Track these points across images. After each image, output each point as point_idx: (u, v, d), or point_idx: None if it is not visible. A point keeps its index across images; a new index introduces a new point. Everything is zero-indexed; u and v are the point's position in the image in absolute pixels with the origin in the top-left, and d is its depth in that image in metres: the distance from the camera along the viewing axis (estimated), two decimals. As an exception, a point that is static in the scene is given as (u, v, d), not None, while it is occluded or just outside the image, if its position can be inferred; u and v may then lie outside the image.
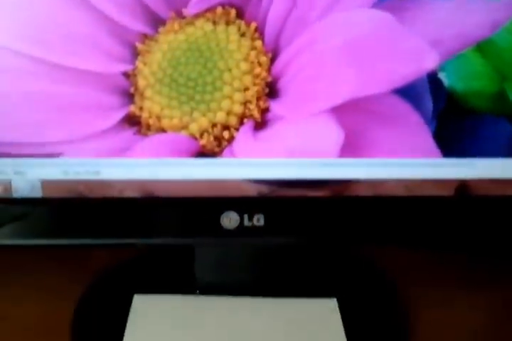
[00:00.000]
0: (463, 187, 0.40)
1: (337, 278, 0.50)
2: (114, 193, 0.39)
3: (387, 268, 0.51)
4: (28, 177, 0.38)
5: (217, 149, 0.38)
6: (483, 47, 0.37)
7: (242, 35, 0.38)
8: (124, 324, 0.42)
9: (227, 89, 0.37)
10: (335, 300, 0.45)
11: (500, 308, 0.48)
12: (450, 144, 0.38)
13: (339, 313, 0.44)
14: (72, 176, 0.38)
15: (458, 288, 0.49)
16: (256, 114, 0.38)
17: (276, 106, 0.38)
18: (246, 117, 0.38)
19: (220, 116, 0.37)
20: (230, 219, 0.40)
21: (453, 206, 0.40)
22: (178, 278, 0.47)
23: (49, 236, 0.40)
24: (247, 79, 0.37)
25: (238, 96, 0.37)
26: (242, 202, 0.40)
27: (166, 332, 0.42)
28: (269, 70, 0.38)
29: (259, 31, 0.38)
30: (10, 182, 0.38)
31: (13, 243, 0.41)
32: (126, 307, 0.44)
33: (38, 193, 0.39)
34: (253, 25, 0.38)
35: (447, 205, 0.40)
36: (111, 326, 0.43)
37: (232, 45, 0.37)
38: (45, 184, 0.38)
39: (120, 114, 0.38)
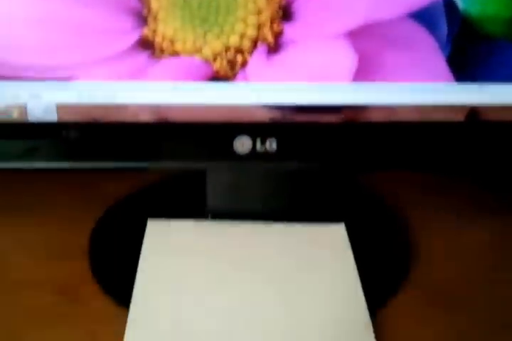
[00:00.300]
0: (473, 113, 0.40)
1: (344, 204, 0.51)
2: (128, 117, 0.39)
3: (393, 195, 0.52)
4: (43, 101, 0.38)
5: (230, 73, 0.38)
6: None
7: (257, -46, 0.37)
8: (139, 247, 0.43)
9: (240, 12, 0.37)
10: (343, 224, 0.46)
11: (502, 233, 0.49)
12: (463, 69, 0.38)
13: (347, 237, 0.45)
14: (87, 100, 0.38)
15: (462, 214, 0.50)
16: (270, 37, 0.38)
17: (290, 30, 0.38)
18: (259, 41, 0.38)
19: (234, 40, 0.37)
20: (242, 144, 0.40)
21: (463, 131, 0.41)
22: (191, 204, 0.48)
23: (64, 159, 0.41)
24: (261, 2, 0.37)
25: (252, 19, 0.37)
26: (255, 127, 0.40)
27: (179, 255, 0.43)
28: (283, -7, 0.37)
29: (274, -49, 0.37)
30: (25, 106, 0.38)
31: (28, 166, 0.41)
32: (140, 232, 0.45)
33: (53, 117, 0.39)
34: None
35: (458, 130, 0.41)
36: (126, 249, 0.44)
37: (246, -35, 0.37)
38: (60, 108, 0.39)
39: (134, 37, 0.37)
